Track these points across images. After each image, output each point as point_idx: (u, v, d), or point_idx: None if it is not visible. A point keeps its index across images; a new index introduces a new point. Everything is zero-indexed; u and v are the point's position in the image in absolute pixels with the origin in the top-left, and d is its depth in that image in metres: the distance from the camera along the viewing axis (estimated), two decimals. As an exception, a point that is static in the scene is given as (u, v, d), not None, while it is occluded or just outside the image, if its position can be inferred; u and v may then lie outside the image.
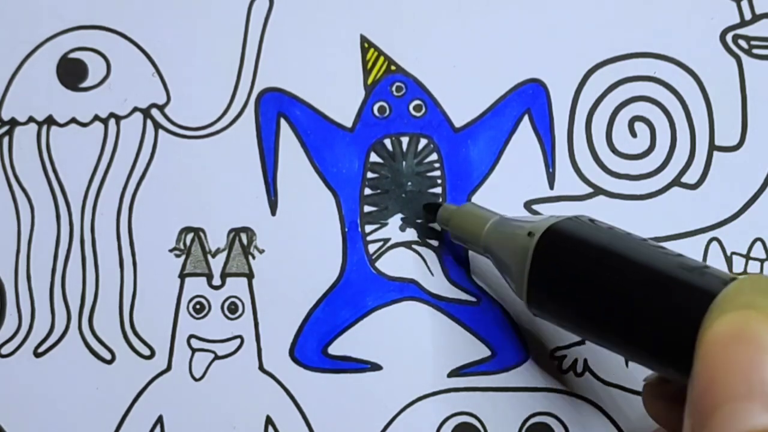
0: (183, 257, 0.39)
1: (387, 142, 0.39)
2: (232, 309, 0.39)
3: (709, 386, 0.23)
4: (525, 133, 0.40)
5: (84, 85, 0.39)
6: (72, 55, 0.39)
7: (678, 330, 0.26)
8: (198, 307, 0.39)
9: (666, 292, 0.27)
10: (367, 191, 0.39)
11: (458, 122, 0.40)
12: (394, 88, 0.40)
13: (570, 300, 0.30)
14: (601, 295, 0.29)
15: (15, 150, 0.39)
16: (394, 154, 0.39)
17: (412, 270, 0.39)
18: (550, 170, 0.40)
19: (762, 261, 0.39)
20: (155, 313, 0.39)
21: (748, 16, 0.40)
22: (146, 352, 0.39)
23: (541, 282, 0.31)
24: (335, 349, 0.39)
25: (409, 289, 0.39)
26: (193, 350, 0.39)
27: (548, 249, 0.31)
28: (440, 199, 0.39)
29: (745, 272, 0.39)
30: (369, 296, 0.39)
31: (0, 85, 0.39)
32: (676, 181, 0.40)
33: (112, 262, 0.39)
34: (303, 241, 0.39)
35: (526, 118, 0.40)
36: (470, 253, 0.39)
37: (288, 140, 0.39)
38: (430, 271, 0.39)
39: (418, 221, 0.39)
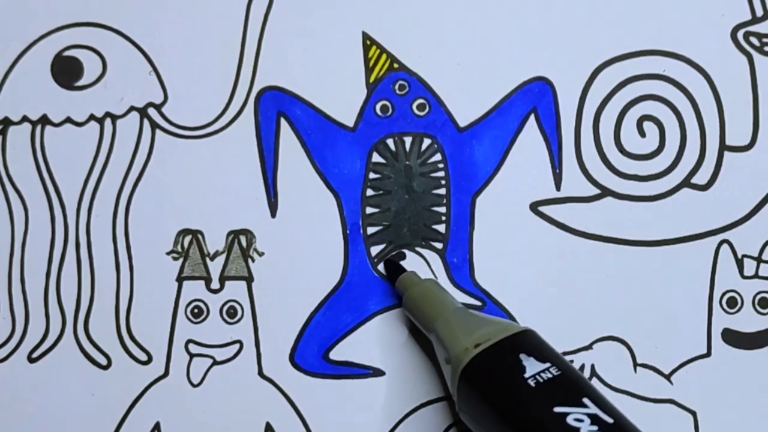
0: (181, 260, 0.39)
1: (390, 141, 0.39)
2: (231, 313, 0.38)
3: None
4: (531, 133, 0.39)
5: (79, 83, 0.39)
6: (67, 53, 0.39)
7: None
8: (196, 311, 0.38)
9: None
10: (369, 192, 0.39)
11: (463, 122, 0.39)
12: (396, 87, 0.39)
13: (486, 421, 0.32)
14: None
15: (8, 150, 0.39)
16: (397, 154, 0.39)
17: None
18: (557, 171, 0.39)
19: (774, 264, 0.39)
20: (152, 317, 0.38)
21: (759, 12, 0.40)
22: (143, 357, 0.38)
23: (466, 396, 0.33)
24: (337, 354, 0.38)
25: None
26: (191, 355, 0.38)
27: (474, 371, 0.33)
28: (443, 207, 0.39)
29: (756, 275, 0.39)
30: (371, 300, 0.39)
31: (-7, 84, 0.39)
32: (686, 182, 0.39)
33: (108, 265, 0.39)
34: (303, 244, 0.39)
35: (532, 117, 0.39)
36: (474, 255, 0.39)
37: (288, 140, 0.39)
38: (434, 274, 0.39)
39: (422, 223, 0.39)
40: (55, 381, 0.38)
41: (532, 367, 0.32)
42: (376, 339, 0.38)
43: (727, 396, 0.38)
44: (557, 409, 0.30)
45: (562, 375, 0.32)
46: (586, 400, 0.31)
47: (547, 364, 0.32)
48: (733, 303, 0.39)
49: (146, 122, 0.39)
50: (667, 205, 0.39)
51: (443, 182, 0.39)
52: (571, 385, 0.31)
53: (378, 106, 0.39)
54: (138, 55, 0.39)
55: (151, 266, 0.39)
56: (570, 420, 0.30)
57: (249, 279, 0.39)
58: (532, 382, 0.31)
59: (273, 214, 0.39)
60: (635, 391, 0.38)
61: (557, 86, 0.39)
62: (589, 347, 0.39)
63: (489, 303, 0.39)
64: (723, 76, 0.39)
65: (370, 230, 0.39)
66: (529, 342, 0.33)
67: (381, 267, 0.39)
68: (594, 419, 0.30)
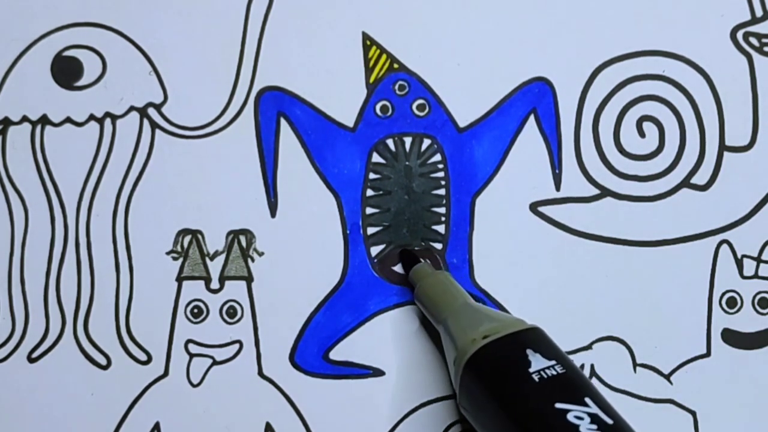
0: (180, 260, 0.38)
1: (389, 142, 0.39)
2: (230, 313, 0.38)
3: None
4: (531, 133, 0.39)
5: (79, 83, 0.39)
6: (67, 53, 0.39)
7: None
8: (196, 311, 0.38)
9: None
10: (369, 192, 0.39)
11: (462, 122, 0.39)
12: (396, 87, 0.39)
13: (486, 413, 0.33)
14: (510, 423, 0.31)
15: (8, 150, 0.39)
16: (397, 155, 0.39)
17: (415, 273, 0.39)
18: (557, 171, 0.39)
19: (773, 264, 0.39)
20: (152, 317, 0.38)
21: (759, 13, 0.40)
22: (143, 357, 0.38)
23: (468, 386, 0.33)
24: (337, 354, 0.38)
25: (412, 293, 0.38)
26: (191, 355, 0.38)
27: (480, 361, 0.33)
28: (443, 207, 0.39)
29: (756, 275, 0.39)
30: (371, 300, 0.39)
31: (-7, 84, 0.39)
32: (686, 182, 0.39)
33: (107, 265, 0.38)
34: (303, 244, 0.39)
35: (531, 117, 0.39)
36: (474, 256, 0.39)
37: (288, 140, 0.39)
38: (434, 274, 0.39)
39: (422, 224, 0.39)
40: (54, 381, 0.38)
41: (537, 362, 0.32)
42: (376, 339, 0.38)
43: (726, 396, 0.38)
44: (558, 405, 0.30)
45: (566, 373, 0.32)
46: (587, 400, 0.31)
47: (553, 362, 0.32)
48: (732, 303, 0.39)
49: (146, 122, 0.39)
50: (667, 205, 0.39)
51: (443, 183, 0.39)
52: (574, 384, 0.32)
53: (378, 107, 0.39)
54: (138, 55, 0.39)
55: (151, 266, 0.38)
56: (570, 417, 0.30)
57: (249, 279, 0.38)
58: (536, 377, 0.32)
59: (273, 214, 0.39)
60: (635, 391, 0.38)
61: (557, 86, 0.39)
62: (588, 347, 0.38)
63: (488, 303, 0.39)
64: (722, 76, 0.39)
65: (370, 230, 0.39)
66: (536, 339, 0.33)
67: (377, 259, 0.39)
68: (594, 418, 0.30)
